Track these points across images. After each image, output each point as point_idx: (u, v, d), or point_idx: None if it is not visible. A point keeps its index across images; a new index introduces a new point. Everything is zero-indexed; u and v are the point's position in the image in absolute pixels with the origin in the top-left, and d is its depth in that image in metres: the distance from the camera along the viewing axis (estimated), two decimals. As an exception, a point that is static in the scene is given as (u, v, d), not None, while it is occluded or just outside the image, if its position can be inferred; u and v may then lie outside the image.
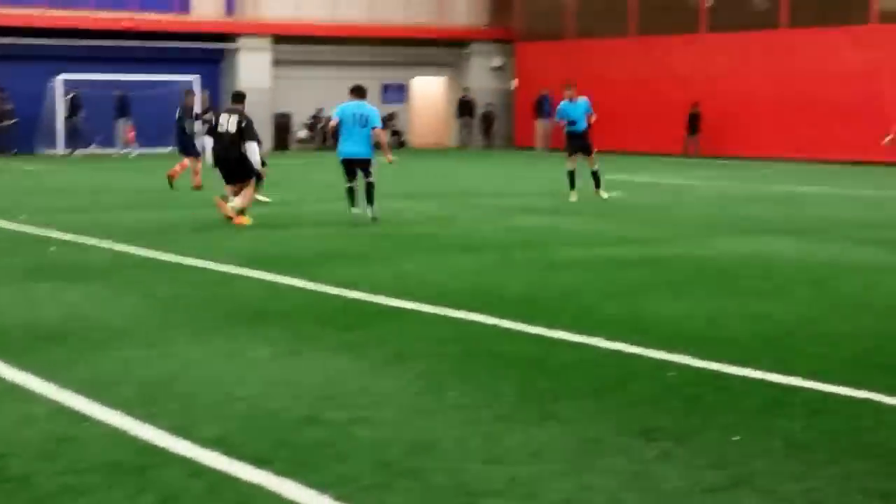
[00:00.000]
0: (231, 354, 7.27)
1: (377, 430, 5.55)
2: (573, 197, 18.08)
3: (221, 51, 37.33)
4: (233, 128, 14.66)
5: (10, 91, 33.35)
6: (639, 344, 7.33)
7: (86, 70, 33.87)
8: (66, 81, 33.90)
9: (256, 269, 10.89)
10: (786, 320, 8.19)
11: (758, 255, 11.85)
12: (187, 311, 8.90)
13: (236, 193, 14.87)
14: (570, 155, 18.52)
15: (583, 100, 18.69)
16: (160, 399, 6.17)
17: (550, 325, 7.94)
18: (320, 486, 4.76)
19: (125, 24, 34.92)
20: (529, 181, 23.97)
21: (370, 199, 14.68)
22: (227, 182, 15.15)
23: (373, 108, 14.77)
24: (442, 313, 8.57)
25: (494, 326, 8.07)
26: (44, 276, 10.76)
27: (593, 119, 18.56)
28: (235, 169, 14.82)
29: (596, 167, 18.56)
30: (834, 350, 7.19)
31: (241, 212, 14.69)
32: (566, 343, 7.51)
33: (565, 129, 18.79)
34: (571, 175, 18.38)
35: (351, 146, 14.79)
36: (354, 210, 14.77)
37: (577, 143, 18.45)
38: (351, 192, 14.88)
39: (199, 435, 5.46)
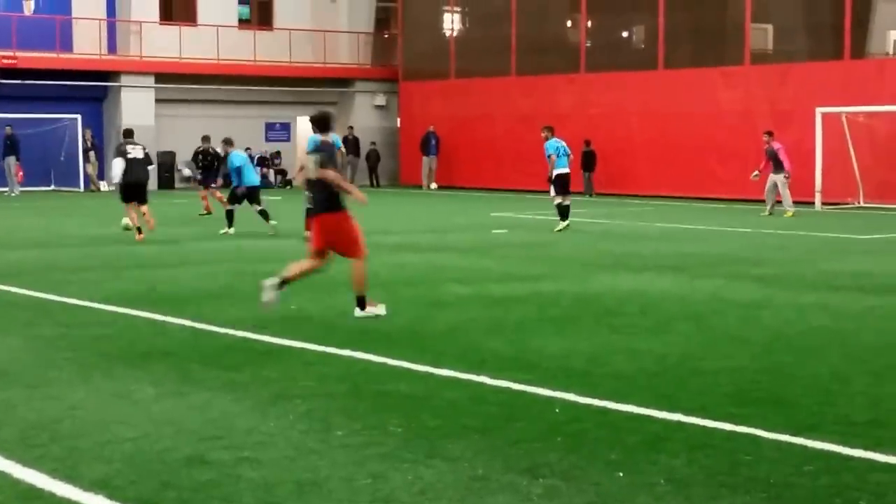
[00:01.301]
0: (116, 395, 7.17)
1: (264, 470, 5.52)
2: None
3: (104, 88, 36.86)
4: (140, 155, 18.12)
5: None
6: (524, 381, 7.41)
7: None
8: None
9: (141, 308, 10.75)
10: (667, 356, 8.37)
11: (639, 291, 12.08)
12: (71, 350, 8.74)
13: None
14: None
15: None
16: (43, 441, 6.06)
17: (436, 363, 7.99)
18: (208, 528, 4.73)
19: (6, 63, 34.34)
20: (414, 218, 24.07)
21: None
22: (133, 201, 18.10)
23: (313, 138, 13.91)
24: (328, 351, 8.57)
25: (381, 364, 8.09)
26: None
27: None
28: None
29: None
30: (714, 385, 7.37)
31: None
32: (453, 380, 7.56)
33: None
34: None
35: None
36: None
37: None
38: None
39: (83, 477, 5.38)
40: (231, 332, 9.46)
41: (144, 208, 18.44)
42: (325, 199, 10.03)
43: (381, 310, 10.10)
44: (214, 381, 7.58)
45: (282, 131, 40.18)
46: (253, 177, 20.25)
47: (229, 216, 19.49)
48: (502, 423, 6.42)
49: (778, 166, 23.94)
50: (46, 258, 15.60)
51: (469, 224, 18.98)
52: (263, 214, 19.55)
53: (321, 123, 10.73)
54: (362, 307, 10.03)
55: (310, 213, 10.82)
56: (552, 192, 20.08)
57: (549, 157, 19.93)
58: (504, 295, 11.72)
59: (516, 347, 8.76)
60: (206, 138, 23.92)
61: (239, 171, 19.65)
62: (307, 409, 6.77)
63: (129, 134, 19.14)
